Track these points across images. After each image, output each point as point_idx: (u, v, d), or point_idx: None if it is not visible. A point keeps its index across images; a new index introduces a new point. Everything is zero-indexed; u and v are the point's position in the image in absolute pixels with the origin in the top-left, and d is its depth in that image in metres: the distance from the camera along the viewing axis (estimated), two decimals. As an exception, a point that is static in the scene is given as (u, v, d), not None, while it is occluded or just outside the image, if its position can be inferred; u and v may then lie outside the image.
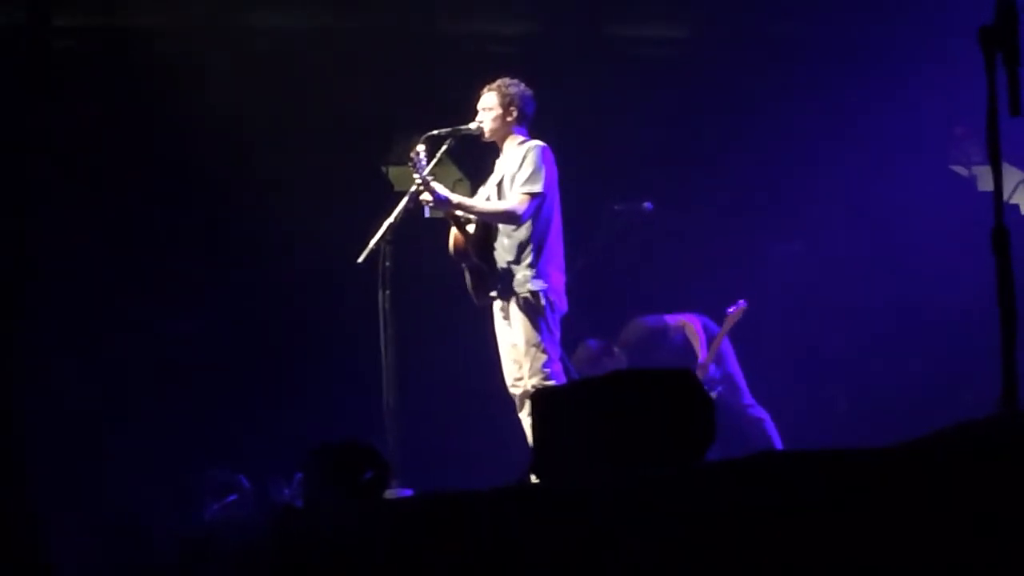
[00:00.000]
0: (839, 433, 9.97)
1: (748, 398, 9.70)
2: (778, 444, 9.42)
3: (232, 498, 8.41)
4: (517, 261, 7.74)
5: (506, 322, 7.80)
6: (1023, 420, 3.60)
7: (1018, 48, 3.87)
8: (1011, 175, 11.34)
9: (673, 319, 9.82)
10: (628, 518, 3.84)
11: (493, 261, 7.80)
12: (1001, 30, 3.89)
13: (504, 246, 7.78)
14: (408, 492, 7.22)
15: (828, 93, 11.03)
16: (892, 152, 10.94)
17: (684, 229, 10.24)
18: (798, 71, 11.10)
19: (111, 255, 9.93)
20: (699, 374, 9.52)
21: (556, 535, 4.00)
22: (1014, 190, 11.36)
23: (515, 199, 7.73)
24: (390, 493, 6.73)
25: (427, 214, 7.85)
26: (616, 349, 9.76)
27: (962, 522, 3.07)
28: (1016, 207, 11.31)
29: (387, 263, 7.79)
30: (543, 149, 7.80)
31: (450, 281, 8.14)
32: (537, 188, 7.70)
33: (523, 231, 7.74)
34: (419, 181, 7.67)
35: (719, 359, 9.70)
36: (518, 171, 7.76)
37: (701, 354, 9.61)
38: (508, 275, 7.74)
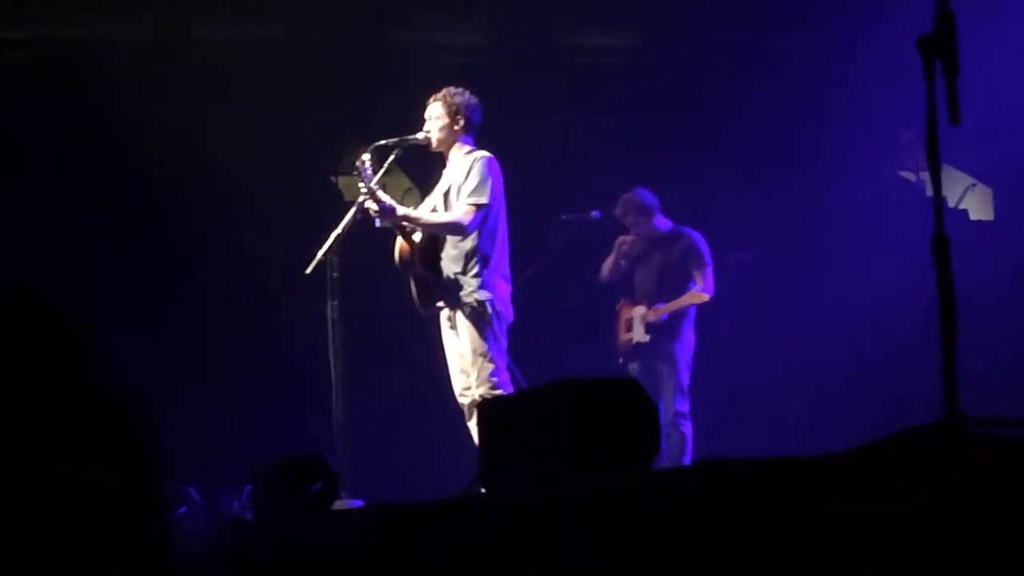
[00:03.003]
0: (789, 441, 10.01)
1: (682, 406, 9.45)
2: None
3: (182, 511, 8.37)
4: (463, 271, 7.74)
5: (453, 332, 7.81)
6: (962, 426, 3.62)
7: (956, 57, 3.90)
8: (959, 180, 11.41)
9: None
10: (574, 526, 3.85)
11: (439, 271, 7.80)
12: (939, 39, 3.91)
13: (450, 256, 7.78)
14: (358, 503, 7.22)
15: (779, 101, 11.08)
16: (843, 160, 10.98)
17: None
18: (749, 80, 11.14)
19: (61, 268, 9.86)
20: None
21: (503, 545, 4.00)
22: (962, 195, 11.41)
23: (461, 210, 7.74)
24: (339, 504, 6.72)
25: (378, 224, 7.86)
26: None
27: (902, 528, 3.08)
28: (965, 212, 11.36)
29: (335, 274, 7.79)
30: (489, 160, 7.82)
31: (398, 292, 8.13)
32: (483, 199, 7.71)
33: (469, 241, 7.75)
34: (364, 190, 7.68)
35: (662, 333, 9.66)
36: (464, 182, 7.78)
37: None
38: (454, 285, 7.75)
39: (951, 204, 11.20)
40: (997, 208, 11.80)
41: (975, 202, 11.63)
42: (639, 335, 9.64)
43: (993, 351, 9.07)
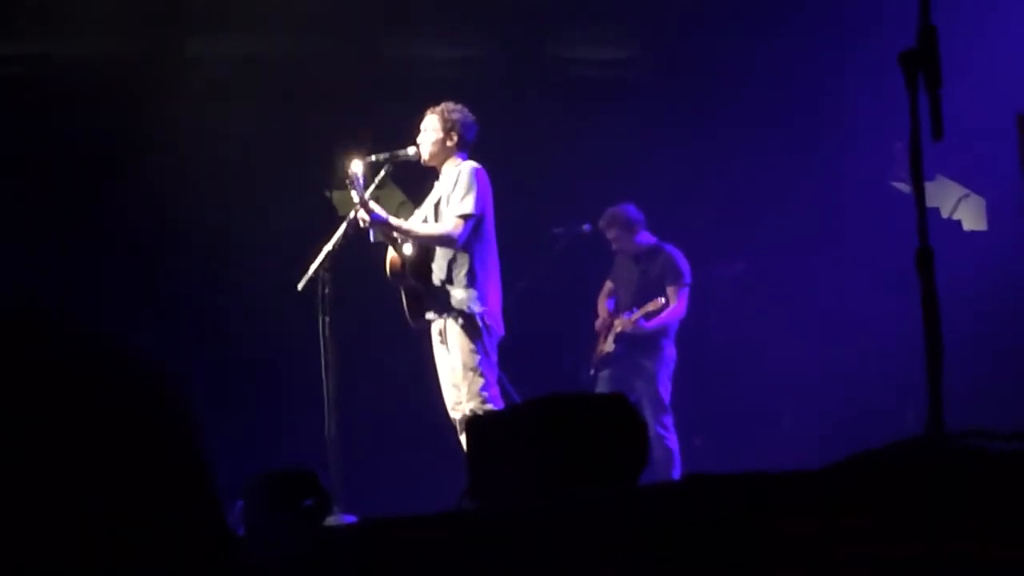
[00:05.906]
0: (783, 454, 9.99)
1: (665, 421, 9.45)
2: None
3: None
4: (453, 283, 7.75)
5: (443, 346, 7.81)
6: (947, 440, 3.63)
7: (939, 71, 3.91)
8: (952, 191, 11.40)
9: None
10: (562, 541, 3.85)
11: (430, 283, 7.80)
12: (922, 54, 3.92)
13: (441, 268, 7.79)
14: (351, 518, 7.20)
15: (772, 113, 11.07)
16: (835, 170, 10.97)
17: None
18: (742, 92, 11.14)
19: (50, 281, 9.86)
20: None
21: (493, 559, 4.00)
22: (955, 206, 11.39)
23: (450, 222, 7.75)
24: (332, 519, 6.71)
25: (372, 239, 7.86)
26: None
27: (885, 542, 3.09)
28: (958, 223, 11.34)
29: (326, 289, 7.78)
30: (477, 170, 7.81)
31: (390, 307, 8.13)
32: (471, 209, 7.72)
33: (459, 253, 7.76)
34: (356, 201, 7.68)
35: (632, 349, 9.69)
36: (452, 192, 7.79)
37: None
38: (445, 297, 7.75)
39: (944, 215, 11.19)
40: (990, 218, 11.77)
41: (968, 212, 11.61)
42: (608, 346, 9.64)
43: (980, 362, 9.07)
